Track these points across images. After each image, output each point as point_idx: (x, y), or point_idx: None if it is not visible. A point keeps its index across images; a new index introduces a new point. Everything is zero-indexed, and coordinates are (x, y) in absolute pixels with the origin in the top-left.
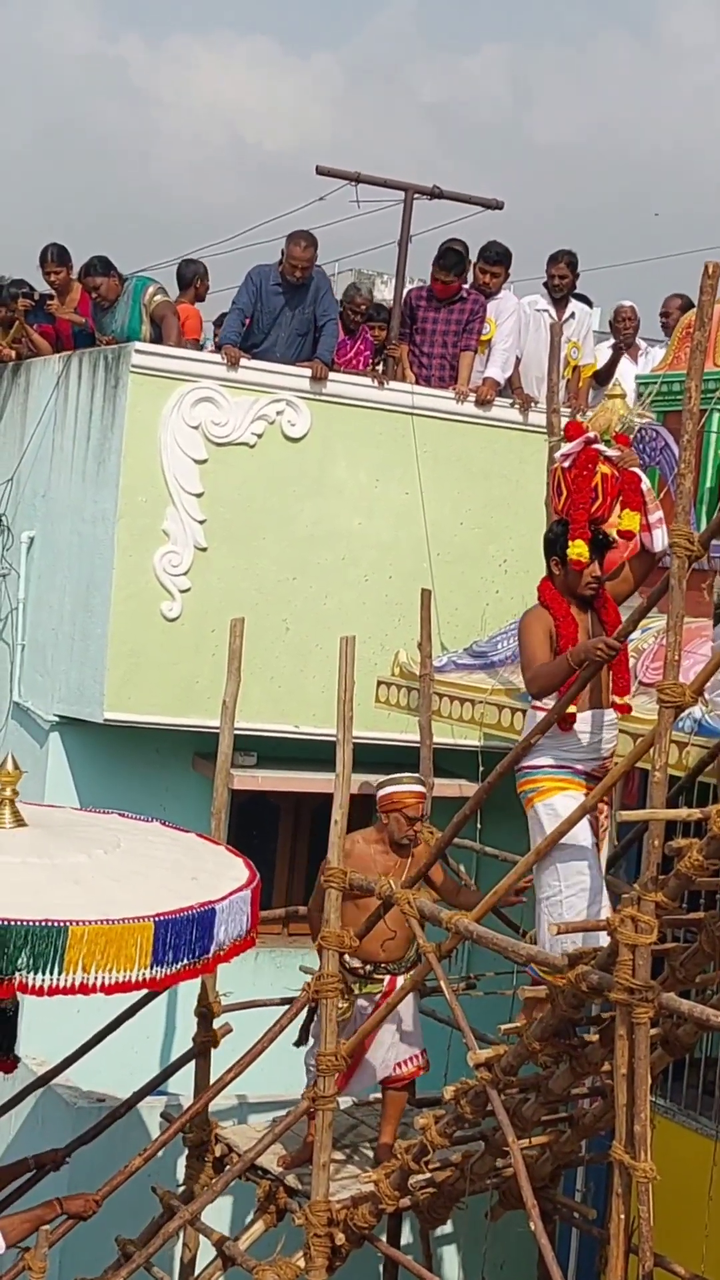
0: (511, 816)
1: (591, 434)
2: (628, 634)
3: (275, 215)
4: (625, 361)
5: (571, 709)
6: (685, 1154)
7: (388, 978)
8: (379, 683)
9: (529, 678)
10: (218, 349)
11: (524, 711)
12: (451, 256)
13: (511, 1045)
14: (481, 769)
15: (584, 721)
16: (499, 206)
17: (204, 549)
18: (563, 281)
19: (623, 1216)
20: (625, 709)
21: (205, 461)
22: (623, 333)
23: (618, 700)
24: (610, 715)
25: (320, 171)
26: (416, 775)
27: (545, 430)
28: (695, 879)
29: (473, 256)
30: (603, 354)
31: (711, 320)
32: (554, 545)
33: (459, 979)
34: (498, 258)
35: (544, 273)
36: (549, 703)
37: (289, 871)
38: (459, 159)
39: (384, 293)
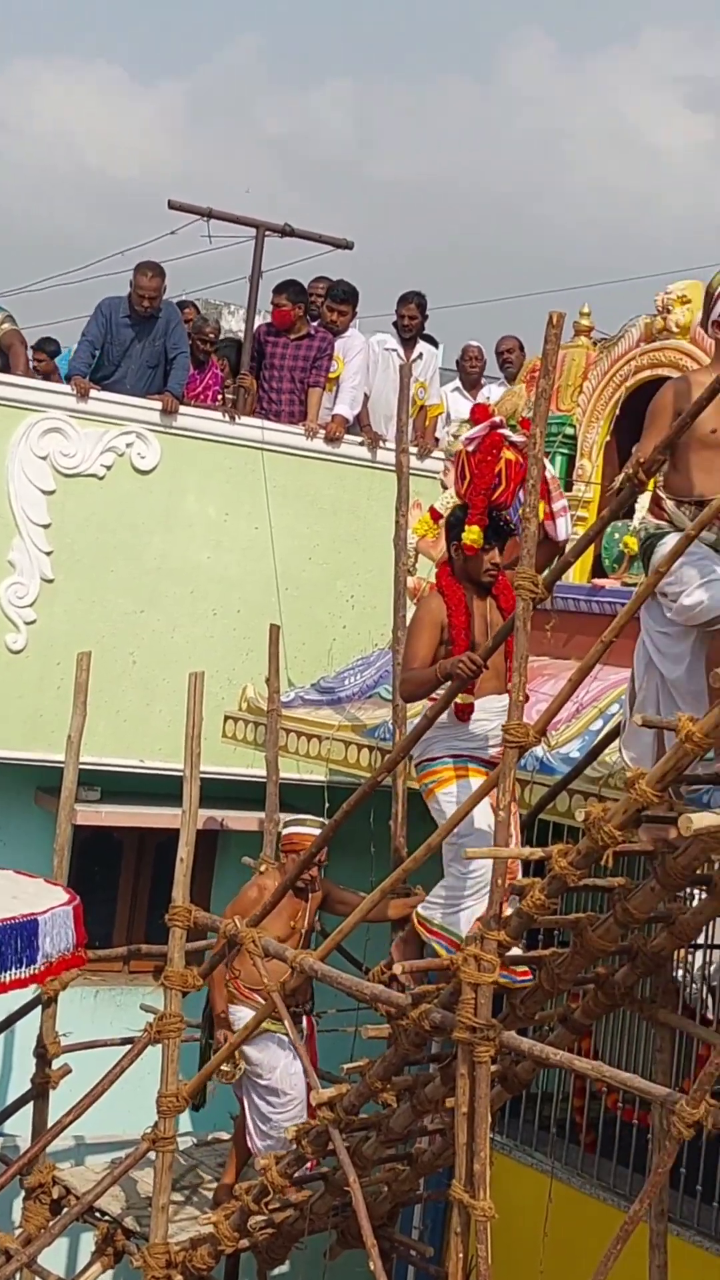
0: (354, 854)
1: (498, 418)
2: (493, 650)
3: (126, 247)
4: (463, 399)
5: (467, 699)
6: (521, 1190)
7: (303, 1018)
8: (226, 717)
9: (401, 680)
10: (67, 379)
11: (370, 748)
12: (292, 286)
13: (354, 1084)
14: (328, 805)
15: (480, 710)
16: (349, 246)
17: (50, 580)
18: (412, 322)
19: (461, 1255)
20: (468, 708)
21: (53, 493)
22: (469, 372)
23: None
24: (503, 701)
25: (173, 206)
26: (319, 819)
27: (393, 468)
28: (536, 918)
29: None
30: (449, 395)
31: (555, 367)
32: (453, 530)
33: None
34: (345, 296)
35: (392, 312)
36: (442, 691)
37: (130, 909)
38: (303, 192)
39: (230, 323)
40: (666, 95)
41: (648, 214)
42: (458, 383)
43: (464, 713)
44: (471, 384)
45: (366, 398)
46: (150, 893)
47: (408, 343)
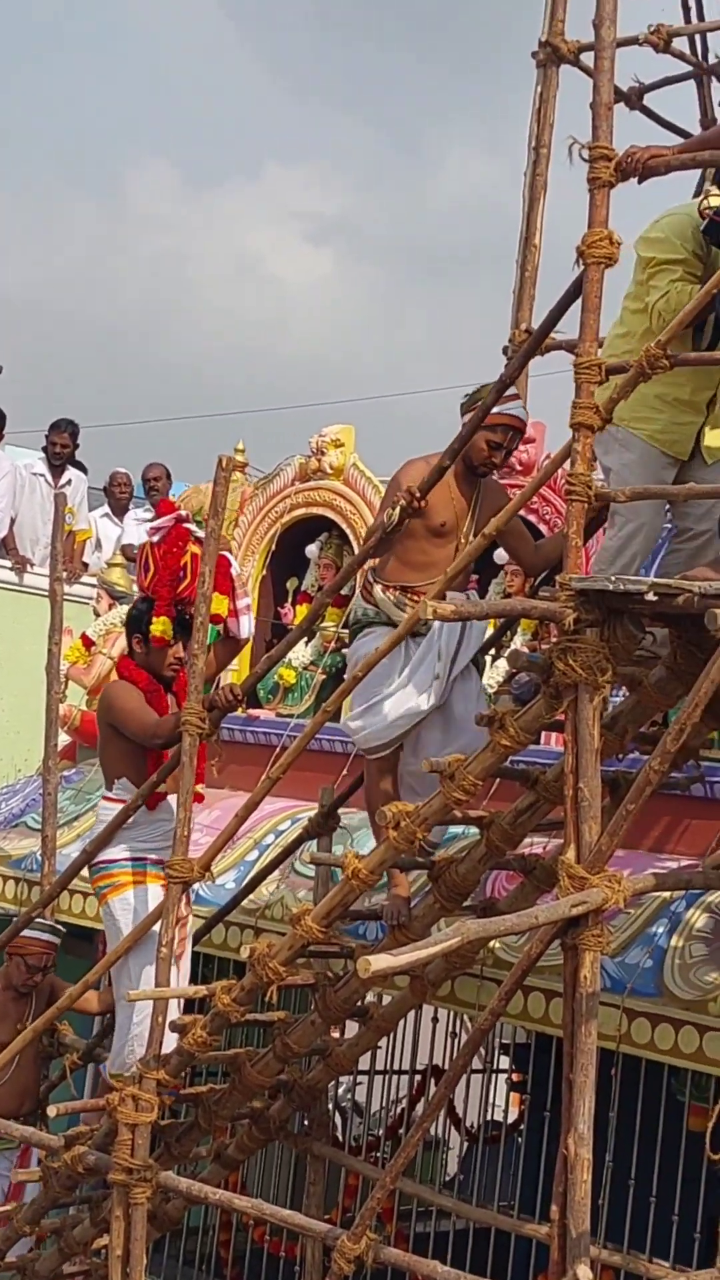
0: None
1: (183, 512)
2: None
3: None
4: (111, 525)
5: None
6: None
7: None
8: None
9: (153, 729)
10: None
11: (16, 879)
12: None
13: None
14: None
15: (168, 806)
16: None
17: None
18: (64, 450)
19: None
20: (199, 798)
21: None
22: (119, 498)
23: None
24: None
25: None
26: (54, 925)
27: (39, 591)
28: (198, 1055)
29: None
30: (98, 520)
31: (224, 509)
32: (138, 622)
33: None
34: None
35: (42, 438)
36: (123, 793)
37: None
38: None
39: None
40: (287, 229)
41: (275, 341)
42: (106, 508)
43: (154, 800)
44: (120, 510)
45: (13, 521)
46: None
47: (57, 469)
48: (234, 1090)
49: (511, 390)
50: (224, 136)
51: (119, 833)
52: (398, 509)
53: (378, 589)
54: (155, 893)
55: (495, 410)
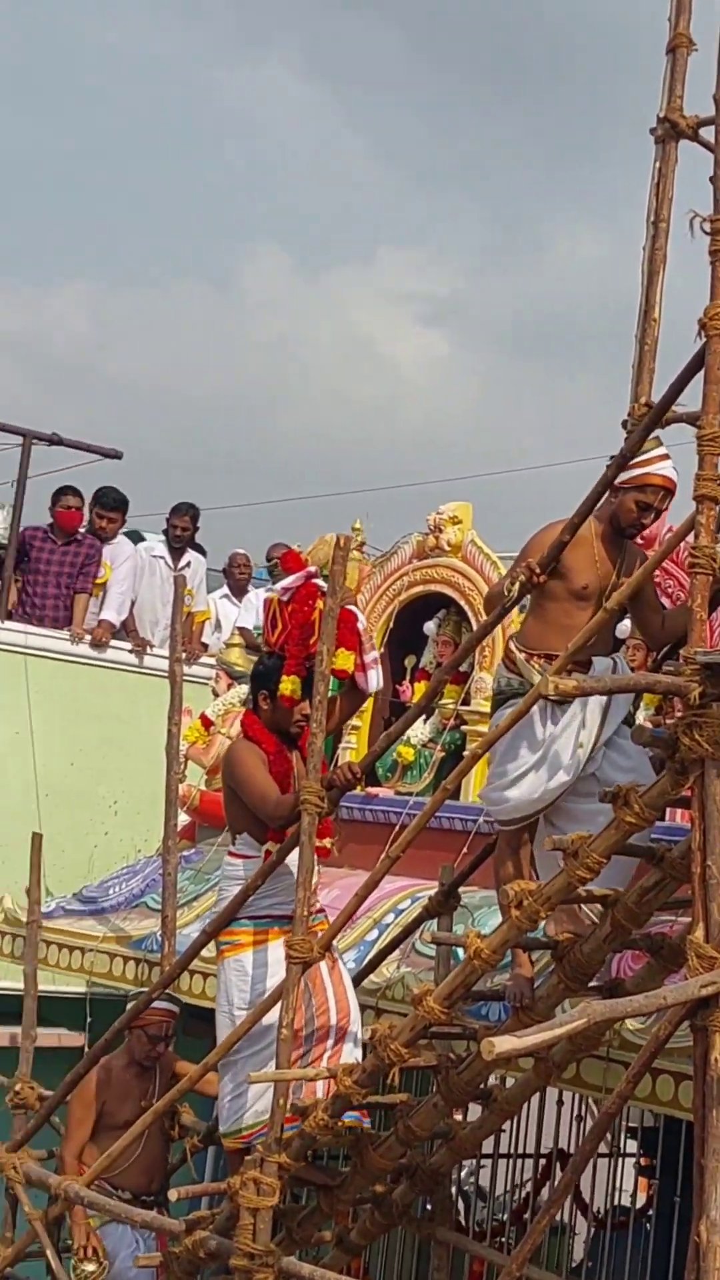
0: None
1: (312, 568)
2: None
3: None
4: (230, 605)
5: (322, 842)
6: None
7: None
8: None
9: (272, 807)
10: None
11: (136, 960)
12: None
13: None
14: (90, 1019)
15: (292, 860)
16: (118, 456)
17: None
18: (184, 533)
19: None
20: (325, 852)
21: None
22: (238, 579)
23: (317, 842)
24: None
25: None
26: (172, 994)
27: (158, 673)
28: (319, 1138)
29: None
30: (217, 601)
31: (341, 588)
32: (265, 679)
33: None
34: (114, 504)
35: (164, 521)
36: (245, 848)
37: None
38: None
39: None
40: (399, 311)
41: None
42: (225, 589)
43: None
44: (239, 590)
45: (134, 604)
46: None
47: (176, 551)
48: (356, 1174)
49: (660, 449)
50: (336, 221)
51: (239, 890)
52: (517, 584)
53: (520, 657)
54: (276, 954)
55: (647, 471)
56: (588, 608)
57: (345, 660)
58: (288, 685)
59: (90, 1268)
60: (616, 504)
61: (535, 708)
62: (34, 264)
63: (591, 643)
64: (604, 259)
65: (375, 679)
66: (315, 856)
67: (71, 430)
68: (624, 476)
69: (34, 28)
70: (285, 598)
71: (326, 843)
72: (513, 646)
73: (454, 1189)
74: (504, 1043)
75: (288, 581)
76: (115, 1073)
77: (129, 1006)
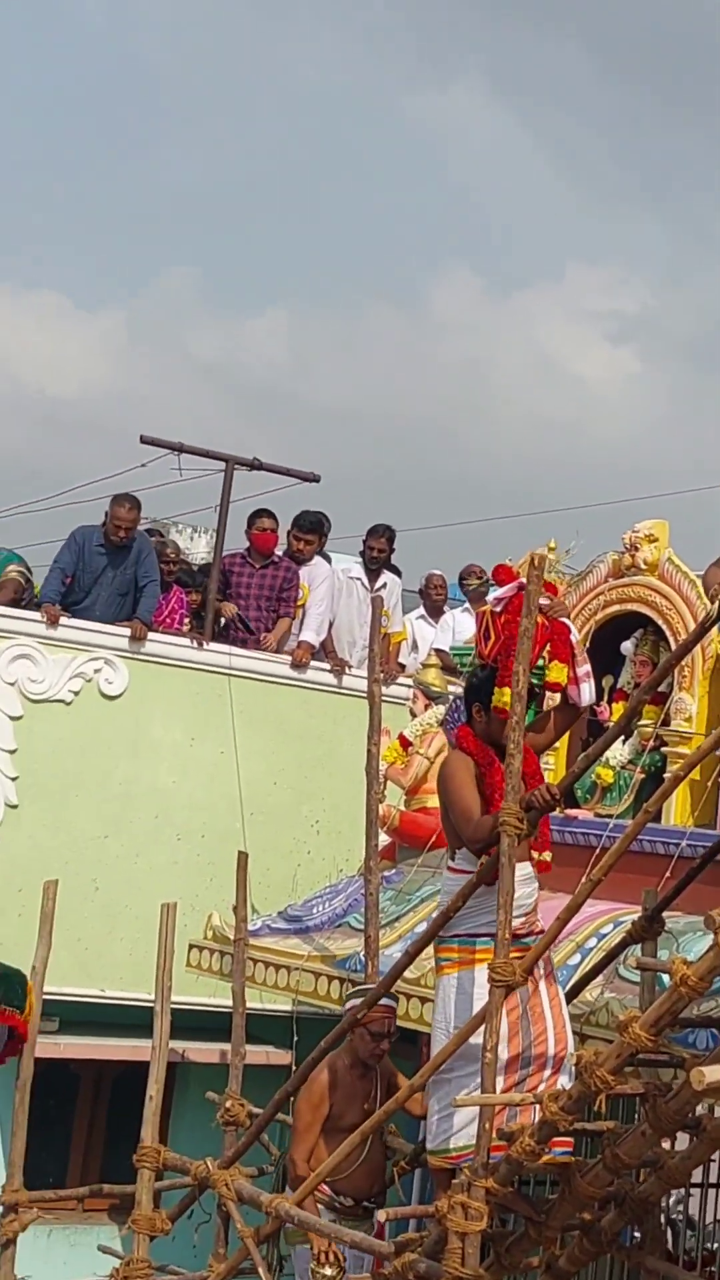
0: None
1: (524, 579)
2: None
3: (95, 478)
4: (426, 626)
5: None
6: None
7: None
8: (190, 946)
9: (472, 829)
10: (37, 606)
11: (341, 980)
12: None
13: None
14: (296, 1038)
15: (516, 873)
16: (316, 479)
17: (15, 806)
18: (381, 554)
19: None
20: (546, 866)
21: (20, 718)
22: (434, 600)
23: (536, 856)
24: (529, 869)
25: (144, 440)
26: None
27: (357, 693)
28: (526, 1164)
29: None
30: (414, 622)
31: (537, 608)
32: (479, 691)
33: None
34: (312, 527)
35: (361, 542)
36: (464, 863)
37: (85, 1146)
38: (238, 415)
39: (179, 540)
40: (588, 329)
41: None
42: (422, 610)
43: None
44: (435, 611)
45: (332, 624)
46: (106, 1129)
47: (373, 572)
48: (564, 1201)
49: None
50: (524, 241)
51: (466, 904)
52: (717, 603)
53: None
54: (482, 976)
55: None
56: None
57: (559, 673)
58: (502, 696)
59: (329, 1272)
60: None
61: None
62: (234, 294)
63: None
64: None
65: (589, 692)
66: (536, 872)
67: (270, 455)
68: None
69: (241, 69)
70: (498, 609)
71: (545, 856)
72: None
73: (663, 1218)
74: (714, 1072)
75: (500, 593)
76: (340, 1074)
77: (346, 1005)
